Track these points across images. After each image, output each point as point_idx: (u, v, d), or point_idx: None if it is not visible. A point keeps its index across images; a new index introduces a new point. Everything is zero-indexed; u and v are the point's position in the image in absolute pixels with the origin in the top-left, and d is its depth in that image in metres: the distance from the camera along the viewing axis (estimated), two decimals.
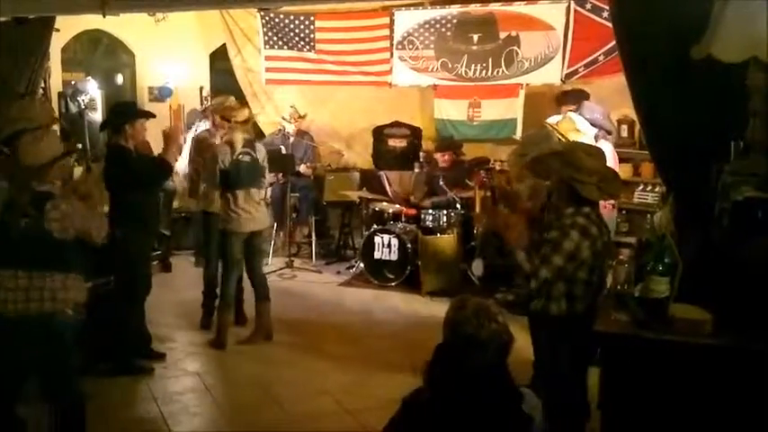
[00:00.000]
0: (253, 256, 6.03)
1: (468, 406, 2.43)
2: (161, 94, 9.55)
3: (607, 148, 5.52)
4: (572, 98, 6.92)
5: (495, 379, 2.48)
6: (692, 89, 3.77)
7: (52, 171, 3.68)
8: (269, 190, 8.91)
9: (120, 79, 9.34)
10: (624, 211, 7.13)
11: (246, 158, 5.83)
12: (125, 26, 8.93)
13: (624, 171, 6.85)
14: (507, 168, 7.85)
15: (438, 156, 8.03)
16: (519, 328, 3.62)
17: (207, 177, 6.23)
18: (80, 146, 7.51)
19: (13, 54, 5.76)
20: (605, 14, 7.10)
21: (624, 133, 7.56)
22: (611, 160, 5.43)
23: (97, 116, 7.59)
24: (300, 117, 8.80)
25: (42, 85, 6.93)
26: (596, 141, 5.49)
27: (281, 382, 5.27)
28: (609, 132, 5.81)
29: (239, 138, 5.84)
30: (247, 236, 5.89)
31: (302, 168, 8.65)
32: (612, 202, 5.40)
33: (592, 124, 5.47)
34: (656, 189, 6.67)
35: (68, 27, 7.73)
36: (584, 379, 3.69)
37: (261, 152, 6.01)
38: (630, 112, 6.20)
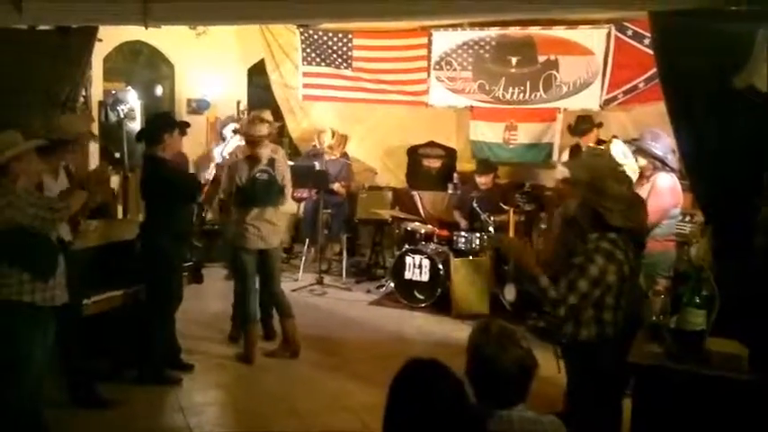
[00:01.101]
0: (267, 276, 6.04)
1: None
2: (199, 107, 9.66)
3: (666, 179, 5.36)
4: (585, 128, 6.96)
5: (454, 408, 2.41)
6: (733, 120, 3.71)
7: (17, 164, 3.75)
8: (301, 205, 9.01)
9: (159, 90, 9.46)
10: (675, 244, 7.01)
11: (264, 176, 5.85)
12: (166, 38, 9.05)
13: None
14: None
15: (478, 178, 7.97)
16: (549, 355, 3.59)
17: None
18: (117, 155, 7.62)
19: (56, 63, 5.83)
20: (647, 41, 7.05)
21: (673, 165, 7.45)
22: (668, 192, 5.28)
23: (136, 126, 7.67)
24: (344, 140, 8.84)
25: (84, 93, 7.03)
26: (656, 172, 5.33)
27: (306, 397, 5.27)
28: (668, 166, 5.63)
29: (262, 153, 5.87)
30: (258, 254, 5.91)
31: (336, 186, 8.65)
32: (674, 238, 5.29)
33: (650, 156, 5.33)
34: (695, 220, 6.54)
35: (111, 37, 7.85)
36: (617, 408, 3.60)
37: (280, 169, 5.97)
38: (670, 141, 6.11)
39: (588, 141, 7.08)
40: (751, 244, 3.34)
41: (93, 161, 7.66)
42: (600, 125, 7.19)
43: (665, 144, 5.42)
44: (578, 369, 3.59)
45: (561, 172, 6.62)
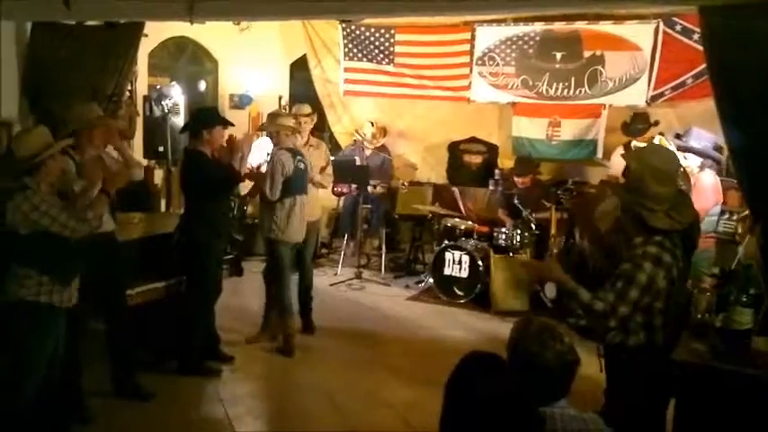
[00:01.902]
0: (303, 268, 6.29)
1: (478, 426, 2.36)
2: (241, 102, 9.74)
3: (709, 178, 5.31)
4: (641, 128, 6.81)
5: (508, 401, 2.39)
6: None
7: (44, 166, 3.74)
8: (341, 200, 9.04)
9: (202, 85, 9.56)
10: (715, 241, 6.89)
11: (301, 165, 5.94)
12: (210, 34, 9.15)
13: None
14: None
15: (516, 179, 7.90)
16: (590, 353, 3.54)
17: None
18: (161, 149, 7.71)
19: (103, 57, 5.93)
20: (696, 37, 6.93)
21: (721, 163, 7.31)
22: (711, 190, 5.21)
23: (179, 120, 7.76)
24: (383, 133, 8.82)
25: (129, 88, 7.14)
26: (700, 171, 5.30)
27: (344, 391, 5.27)
28: (717, 162, 5.55)
29: (296, 143, 6.00)
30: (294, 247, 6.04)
31: (377, 189, 8.67)
32: (713, 234, 5.19)
33: (699, 154, 5.26)
34: (743, 218, 6.41)
35: (156, 33, 7.94)
36: (663, 411, 3.52)
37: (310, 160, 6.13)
38: (717, 138, 5.99)
39: (643, 142, 6.93)
40: None
41: (138, 154, 7.79)
42: (656, 123, 7.03)
43: (709, 140, 5.35)
44: (625, 374, 3.44)
45: (608, 170, 6.55)
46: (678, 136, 5.69)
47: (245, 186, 6.47)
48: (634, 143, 6.82)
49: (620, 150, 7.00)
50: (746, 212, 4.37)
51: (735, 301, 2.99)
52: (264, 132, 7.89)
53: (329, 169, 6.65)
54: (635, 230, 3.37)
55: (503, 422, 2.32)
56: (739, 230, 5.19)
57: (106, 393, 4.86)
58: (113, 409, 4.75)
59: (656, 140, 5.87)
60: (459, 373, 2.51)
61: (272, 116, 6.12)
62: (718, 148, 5.70)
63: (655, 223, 3.26)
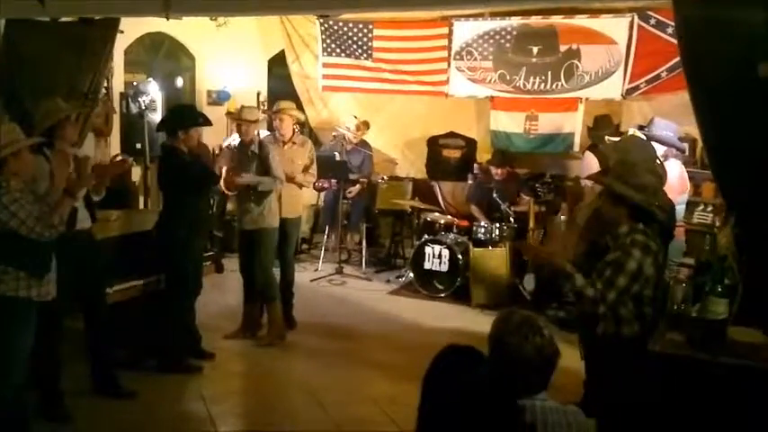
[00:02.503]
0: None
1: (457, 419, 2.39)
2: (219, 98, 9.70)
3: (675, 167, 5.39)
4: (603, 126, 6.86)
5: (487, 393, 2.42)
6: (757, 108, 3.66)
7: (7, 163, 3.66)
8: (321, 195, 9.03)
9: (180, 82, 9.50)
10: (685, 232, 6.97)
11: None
12: (187, 30, 9.09)
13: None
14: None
15: (494, 169, 7.93)
16: (569, 345, 3.57)
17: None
18: (139, 146, 7.67)
19: (78, 54, 5.88)
20: (670, 30, 6.97)
21: (686, 152, 7.39)
22: (677, 180, 5.29)
23: (157, 117, 7.72)
24: (365, 126, 8.82)
25: (105, 85, 7.09)
26: (665, 160, 5.36)
27: (327, 387, 5.28)
28: (682, 151, 5.62)
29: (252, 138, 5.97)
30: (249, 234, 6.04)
31: (355, 189, 8.65)
32: (682, 224, 5.27)
33: (662, 143, 5.32)
34: (717, 209, 6.49)
35: (132, 29, 7.89)
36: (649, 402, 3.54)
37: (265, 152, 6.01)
38: (692, 130, 6.04)
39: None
40: None
41: (115, 151, 7.75)
42: (618, 126, 7.08)
43: (674, 130, 5.43)
44: (621, 366, 3.45)
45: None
46: (641, 127, 5.74)
47: None
48: (608, 138, 6.86)
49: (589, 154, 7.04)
50: (721, 203, 4.42)
51: (710, 292, 3.03)
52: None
53: (313, 168, 6.57)
54: (620, 219, 3.42)
55: (482, 414, 2.35)
56: (716, 222, 5.27)
57: (86, 392, 4.83)
58: (93, 408, 4.72)
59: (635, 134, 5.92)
60: (436, 367, 2.53)
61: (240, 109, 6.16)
62: (681, 138, 5.78)
63: (659, 218, 3.34)
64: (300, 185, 6.46)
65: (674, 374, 3.02)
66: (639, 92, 7.64)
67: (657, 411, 3.07)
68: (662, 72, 7.44)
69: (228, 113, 8.75)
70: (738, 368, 2.90)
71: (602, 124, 7.16)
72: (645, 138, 5.31)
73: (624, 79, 7.72)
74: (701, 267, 3.65)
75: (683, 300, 3.29)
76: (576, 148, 8.03)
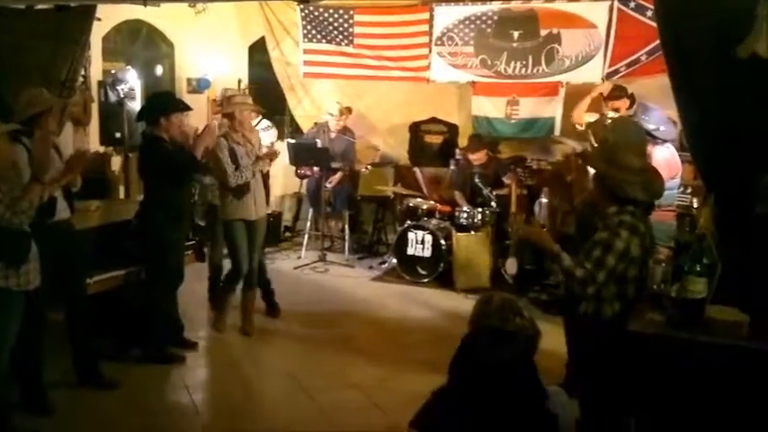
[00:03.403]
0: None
1: (489, 402, 2.40)
2: (199, 86, 9.62)
3: (664, 151, 5.40)
4: (621, 95, 6.82)
5: (517, 375, 2.45)
6: (735, 89, 3.67)
7: None
8: (304, 183, 9.00)
9: (159, 70, 9.40)
10: (676, 215, 7.00)
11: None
12: (165, 17, 9.00)
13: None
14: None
15: (471, 156, 7.93)
16: (552, 327, 3.59)
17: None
18: (118, 135, 7.59)
19: (54, 42, 5.83)
20: (649, 13, 6.99)
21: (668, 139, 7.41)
22: (664, 163, 5.29)
23: (136, 105, 7.62)
24: (348, 111, 8.78)
25: (83, 73, 7.01)
26: (654, 145, 5.38)
27: (311, 374, 5.28)
28: (656, 138, 5.59)
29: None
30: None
31: (336, 177, 8.63)
32: (673, 208, 5.29)
33: (646, 132, 5.32)
34: (696, 190, 6.53)
35: (109, 16, 7.79)
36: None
37: None
38: (672, 113, 6.07)
39: (622, 108, 6.89)
40: (753, 212, 3.32)
41: (93, 141, 7.68)
42: (632, 96, 7.03)
43: (656, 117, 5.43)
44: (601, 346, 3.45)
45: (573, 146, 6.61)
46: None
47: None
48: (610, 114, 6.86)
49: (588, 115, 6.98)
50: (700, 184, 4.45)
51: (689, 271, 3.04)
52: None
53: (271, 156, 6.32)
54: (609, 200, 3.44)
55: (512, 402, 2.38)
56: (695, 203, 5.30)
57: (70, 384, 4.81)
58: (76, 399, 4.71)
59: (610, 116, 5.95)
60: (464, 352, 2.54)
61: (230, 97, 6.05)
62: (669, 122, 5.79)
63: (634, 194, 3.35)
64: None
65: (653, 354, 3.03)
66: (620, 75, 7.65)
67: (637, 391, 3.09)
68: (642, 55, 7.46)
69: (214, 101, 8.63)
70: (717, 346, 2.92)
71: (617, 90, 7.14)
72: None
73: (604, 63, 7.73)
74: (681, 247, 3.67)
75: (662, 280, 3.31)
76: (557, 132, 8.05)
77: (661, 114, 5.58)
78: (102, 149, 7.70)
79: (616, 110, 6.78)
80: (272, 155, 6.21)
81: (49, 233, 4.16)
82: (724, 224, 3.68)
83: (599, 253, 3.30)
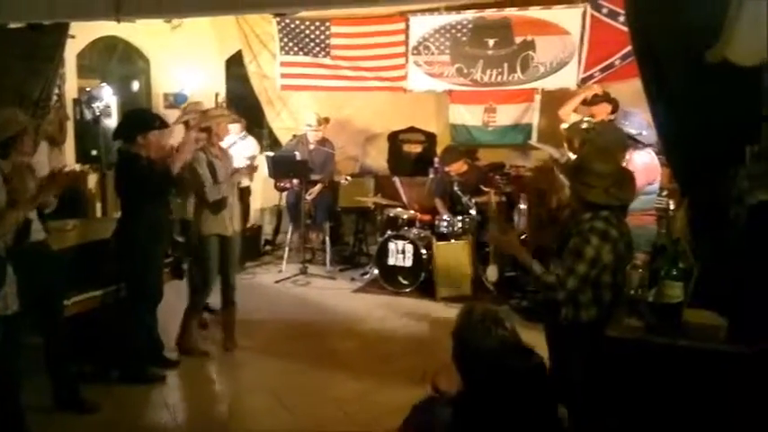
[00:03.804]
0: None
1: (510, 410, 2.41)
2: (176, 101, 9.57)
3: (643, 156, 5.41)
4: (599, 100, 6.85)
5: (540, 382, 2.47)
6: (706, 93, 3.71)
7: None
8: (283, 195, 8.97)
9: (135, 86, 9.37)
10: (656, 219, 7.01)
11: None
12: (140, 33, 8.97)
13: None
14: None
15: (447, 168, 7.88)
16: (533, 334, 3.59)
17: None
18: (94, 153, 7.55)
19: (28, 60, 5.76)
20: (621, 19, 7.04)
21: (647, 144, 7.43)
22: (642, 170, 5.30)
23: (112, 122, 7.60)
24: (326, 121, 8.77)
25: (57, 91, 6.96)
26: (634, 151, 5.38)
27: (292, 389, 5.24)
28: (638, 142, 5.61)
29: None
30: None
31: (316, 188, 8.61)
32: (653, 212, 5.31)
33: (630, 137, 5.35)
34: (672, 193, 6.56)
35: (84, 34, 7.76)
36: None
37: None
38: (646, 117, 6.11)
39: (599, 113, 6.92)
40: (727, 215, 3.34)
41: (69, 159, 7.62)
42: (614, 102, 7.05)
43: (637, 122, 5.46)
44: (581, 351, 3.49)
45: (551, 152, 6.63)
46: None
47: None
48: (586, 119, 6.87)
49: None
50: (675, 187, 4.48)
51: (665, 276, 3.05)
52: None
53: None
54: (581, 207, 3.47)
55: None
56: (671, 206, 5.32)
57: (47, 408, 4.72)
58: (56, 422, 4.63)
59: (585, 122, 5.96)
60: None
61: (206, 111, 6.02)
62: (650, 126, 5.81)
63: (592, 198, 3.40)
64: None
65: (632, 359, 3.04)
66: (594, 80, 7.71)
67: (617, 396, 3.10)
68: (615, 60, 7.54)
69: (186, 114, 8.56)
70: (695, 351, 2.93)
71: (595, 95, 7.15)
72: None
73: (579, 69, 7.80)
74: (657, 251, 3.68)
75: (639, 284, 3.32)
76: (535, 138, 8.09)
77: (642, 119, 5.60)
78: (78, 167, 7.64)
79: (592, 115, 6.81)
80: (250, 169, 6.18)
81: (24, 255, 4.10)
82: (699, 227, 3.71)
83: (570, 260, 3.36)
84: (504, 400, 2.45)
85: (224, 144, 7.07)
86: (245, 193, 8.41)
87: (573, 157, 5.13)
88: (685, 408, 2.92)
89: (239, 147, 8.04)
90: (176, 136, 5.81)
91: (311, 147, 8.67)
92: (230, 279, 5.98)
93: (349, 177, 8.92)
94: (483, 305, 2.78)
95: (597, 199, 3.41)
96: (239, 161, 6.55)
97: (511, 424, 2.44)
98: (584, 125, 5.57)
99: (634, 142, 5.36)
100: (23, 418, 4.39)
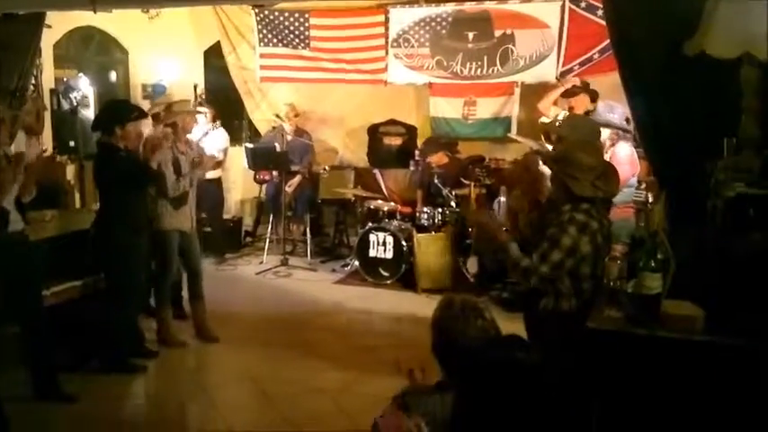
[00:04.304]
0: None
1: (498, 400, 2.42)
2: (154, 92, 9.51)
3: (624, 150, 5.48)
4: (577, 91, 6.88)
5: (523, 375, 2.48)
6: (684, 86, 3.76)
7: None
8: (263, 187, 8.95)
9: (113, 76, 9.30)
10: (636, 211, 7.07)
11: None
12: (118, 23, 8.89)
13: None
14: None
15: (429, 159, 7.95)
16: (514, 324, 3.62)
17: None
18: (72, 143, 7.48)
19: (3, 50, 5.70)
20: (600, 12, 7.08)
21: (631, 132, 7.49)
22: (627, 163, 5.37)
23: (89, 113, 7.55)
24: (296, 115, 8.75)
25: (33, 81, 6.88)
26: (614, 143, 5.45)
27: (276, 380, 5.25)
28: (627, 132, 5.68)
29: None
30: None
31: (296, 180, 8.61)
32: (632, 205, 5.37)
33: (607, 125, 5.40)
34: (650, 186, 6.62)
35: (61, 23, 7.68)
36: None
37: None
38: (625, 110, 6.16)
39: (578, 104, 6.96)
40: (705, 207, 3.38)
41: (47, 150, 7.54)
42: (593, 93, 7.08)
43: (620, 114, 5.51)
44: (562, 340, 3.45)
45: (530, 145, 6.68)
46: (588, 112, 5.83)
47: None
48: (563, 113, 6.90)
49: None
50: (653, 180, 4.53)
51: (644, 267, 3.08)
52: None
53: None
54: (563, 198, 3.50)
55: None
56: (650, 199, 5.38)
57: (26, 398, 4.70)
58: (35, 413, 4.61)
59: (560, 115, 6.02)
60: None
61: (169, 106, 6.00)
62: (627, 120, 5.86)
63: (580, 191, 3.42)
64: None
65: (612, 350, 3.07)
66: (573, 74, 7.74)
67: (597, 388, 3.13)
68: (594, 54, 7.59)
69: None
70: (674, 341, 2.96)
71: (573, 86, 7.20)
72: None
73: (558, 62, 7.84)
74: (635, 243, 3.72)
75: (618, 276, 3.35)
76: (514, 131, 8.12)
77: (624, 111, 5.65)
78: (56, 157, 7.58)
79: (571, 108, 6.86)
80: (212, 162, 6.16)
81: (2, 245, 4.08)
82: (677, 219, 3.75)
83: (546, 247, 3.39)
84: (490, 391, 2.46)
85: (196, 135, 7.14)
86: (217, 185, 8.39)
87: (551, 149, 5.18)
88: (665, 398, 2.96)
89: (211, 137, 8.00)
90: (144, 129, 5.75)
91: (288, 138, 8.65)
92: (196, 271, 6.02)
93: (327, 168, 8.92)
94: (462, 296, 2.79)
95: (584, 192, 3.43)
96: (210, 152, 6.54)
97: (500, 414, 2.45)
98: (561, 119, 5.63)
99: (617, 135, 5.41)
100: (2, 406, 4.37)
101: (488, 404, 2.44)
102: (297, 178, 8.61)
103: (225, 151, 8.33)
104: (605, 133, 5.44)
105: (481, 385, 2.47)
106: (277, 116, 8.72)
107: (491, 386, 2.45)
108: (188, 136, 5.99)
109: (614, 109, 5.67)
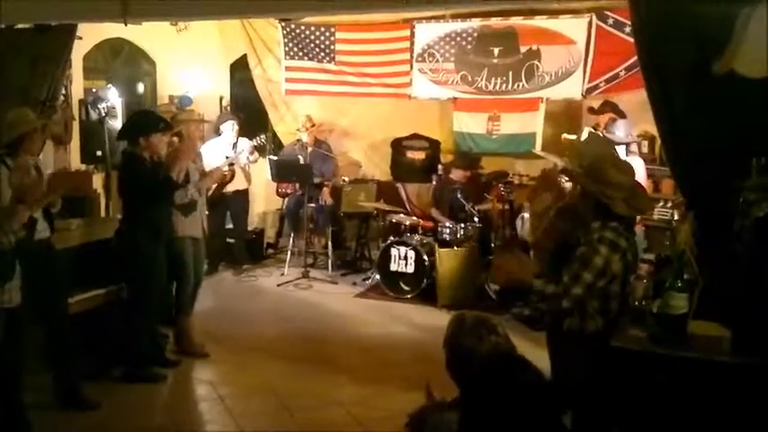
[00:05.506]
0: None
1: (510, 417, 2.41)
2: (181, 103, 9.57)
3: (638, 163, 5.48)
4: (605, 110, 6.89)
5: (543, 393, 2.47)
6: (713, 105, 3.73)
7: None
8: (285, 200, 8.98)
9: (140, 88, 9.39)
10: (644, 227, 7.07)
11: None
12: (147, 35, 8.97)
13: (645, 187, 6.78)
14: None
15: (455, 171, 7.96)
16: (535, 343, 3.60)
17: None
18: (99, 153, 7.56)
19: (35, 61, 5.78)
20: (627, 29, 7.07)
21: (645, 149, 7.50)
22: (642, 177, 5.37)
23: (117, 123, 7.60)
24: (312, 126, 8.80)
25: (63, 92, 6.97)
26: (626, 156, 5.45)
27: (294, 392, 5.24)
28: (631, 145, 5.70)
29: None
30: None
31: (325, 193, 8.66)
32: (638, 219, 5.34)
33: (622, 142, 5.41)
34: (676, 205, 6.60)
35: (90, 35, 7.76)
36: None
37: None
38: (651, 128, 6.14)
39: (604, 122, 6.94)
40: (732, 227, 3.35)
41: (75, 159, 7.64)
42: (620, 112, 7.07)
43: (625, 130, 5.52)
44: (586, 362, 3.42)
45: (555, 161, 6.67)
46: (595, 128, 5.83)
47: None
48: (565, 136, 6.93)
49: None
50: (680, 200, 4.49)
51: (670, 287, 3.06)
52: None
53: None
54: (592, 216, 3.45)
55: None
56: (676, 218, 5.35)
57: (49, 405, 4.73)
58: (58, 421, 4.64)
59: (585, 133, 6.01)
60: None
61: (174, 116, 6.09)
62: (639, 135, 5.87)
63: (618, 210, 3.37)
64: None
65: (636, 370, 3.05)
66: (599, 91, 7.73)
67: (621, 406, 3.10)
68: (620, 71, 7.55)
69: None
70: (699, 362, 2.93)
71: (606, 104, 7.25)
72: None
73: (584, 79, 7.82)
74: (661, 263, 3.70)
75: (643, 295, 3.33)
76: (538, 147, 8.09)
77: (628, 127, 5.67)
78: (83, 167, 7.66)
79: (597, 124, 6.87)
80: (218, 172, 6.26)
81: (29, 253, 4.12)
82: (704, 239, 3.71)
83: (577, 267, 3.32)
84: (503, 408, 2.45)
85: (226, 142, 7.21)
86: (244, 196, 8.46)
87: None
88: (689, 419, 2.92)
89: (240, 146, 8.10)
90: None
91: (309, 149, 8.70)
92: (198, 279, 6.05)
93: (347, 178, 8.94)
94: (474, 313, 2.77)
95: (621, 211, 3.38)
96: (209, 164, 6.76)
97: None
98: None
99: (626, 149, 5.42)
100: (25, 413, 4.40)
101: (490, 423, 2.43)
102: (326, 190, 8.63)
103: (251, 162, 8.40)
104: (620, 149, 5.43)
105: (484, 403, 2.46)
106: (297, 130, 8.76)
107: (492, 405, 2.45)
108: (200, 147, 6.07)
109: (619, 125, 5.69)
